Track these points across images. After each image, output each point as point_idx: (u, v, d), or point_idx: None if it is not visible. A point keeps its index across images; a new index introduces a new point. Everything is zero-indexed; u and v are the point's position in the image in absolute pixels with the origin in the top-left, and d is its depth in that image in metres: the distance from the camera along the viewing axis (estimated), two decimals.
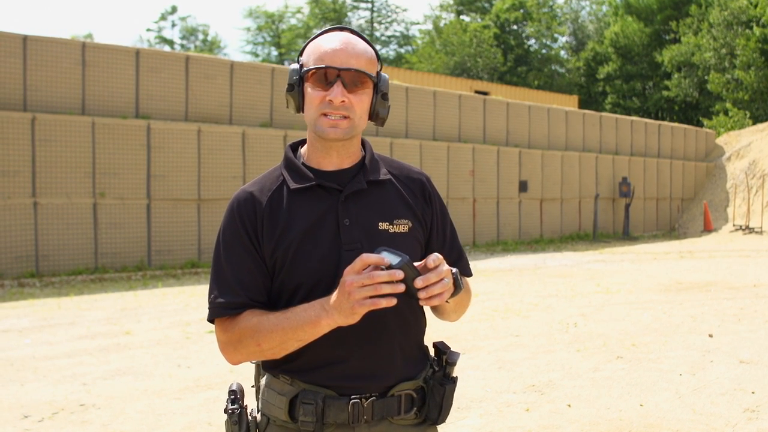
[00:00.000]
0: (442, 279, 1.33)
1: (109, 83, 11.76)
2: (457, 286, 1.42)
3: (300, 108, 1.53)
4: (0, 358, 5.78)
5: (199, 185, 12.44)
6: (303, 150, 1.60)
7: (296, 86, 1.51)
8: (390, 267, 1.30)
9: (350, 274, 1.31)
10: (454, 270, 1.43)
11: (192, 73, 12.75)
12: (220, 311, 1.49)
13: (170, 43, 51.45)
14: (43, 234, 10.82)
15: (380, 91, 1.53)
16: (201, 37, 53.21)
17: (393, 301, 1.30)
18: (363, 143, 1.62)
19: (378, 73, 1.53)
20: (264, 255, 1.50)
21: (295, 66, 1.52)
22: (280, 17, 50.60)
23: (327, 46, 1.48)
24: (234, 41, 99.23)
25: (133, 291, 9.76)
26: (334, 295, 1.36)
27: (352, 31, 1.54)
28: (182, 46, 52.01)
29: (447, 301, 1.45)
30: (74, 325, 7.24)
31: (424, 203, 1.61)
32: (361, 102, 1.49)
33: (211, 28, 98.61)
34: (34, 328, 7.06)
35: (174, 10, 53.37)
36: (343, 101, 1.45)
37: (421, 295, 1.31)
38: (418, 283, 1.30)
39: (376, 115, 1.55)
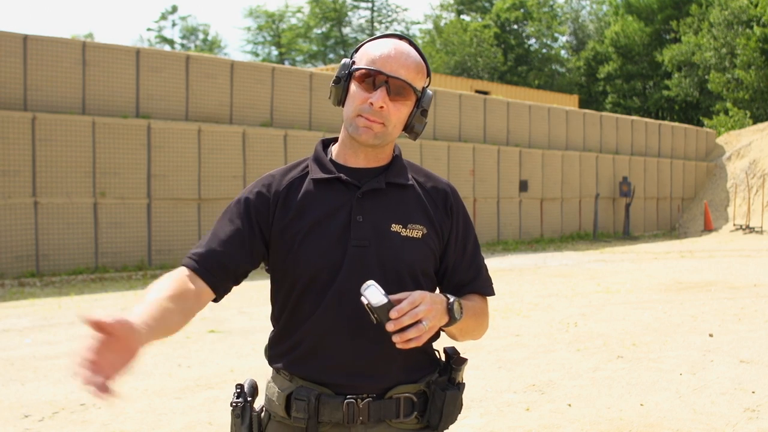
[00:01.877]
0: (417, 322, 1.33)
1: (109, 83, 11.76)
2: (452, 317, 1.42)
3: (341, 102, 1.54)
4: (0, 358, 5.78)
5: (200, 185, 12.45)
6: (333, 147, 1.62)
7: (343, 80, 1.52)
8: (369, 306, 1.31)
9: None
10: (451, 300, 1.43)
11: (192, 73, 12.75)
12: (185, 261, 1.51)
13: (170, 42, 51.47)
14: (44, 234, 10.83)
15: (421, 107, 1.55)
16: (201, 36, 53.24)
17: None
18: (394, 149, 1.63)
19: (424, 89, 1.55)
20: (269, 236, 1.52)
21: (347, 61, 1.54)
22: (280, 17, 50.59)
23: (380, 51, 1.50)
24: (234, 41, 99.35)
25: (133, 290, 9.75)
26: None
27: (410, 42, 1.55)
28: (182, 45, 52.03)
29: (442, 330, 1.46)
30: (74, 324, 7.24)
31: (444, 214, 1.59)
32: (399, 112, 1.51)
33: (212, 27, 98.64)
34: (34, 328, 7.06)
35: (174, 9, 53.45)
36: (382, 107, 1.47)
37: (396, 339, 1.32)
38: (390, 327, 1.31)
39: (411, 129, 1.57)
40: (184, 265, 1.50)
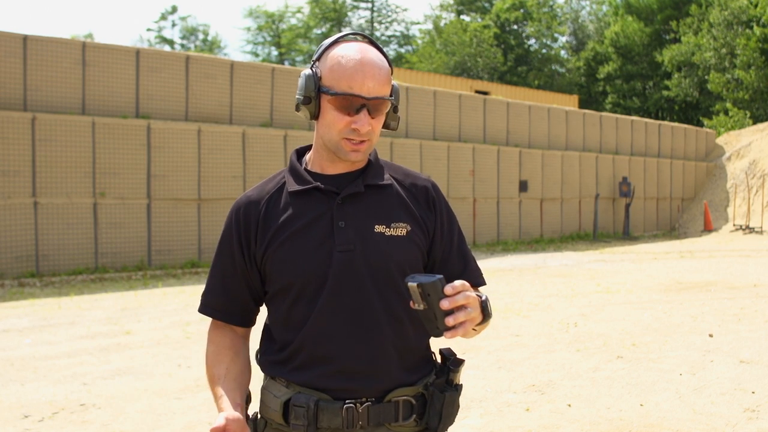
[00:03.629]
0: (466, 307, 1.31)
1: (109, 83, 11.76)
2: (486, 315, 1.41)
3: (314, 117, 1.51)
4: (0, 358, 5.78)
5: (199, 185, 12.45)
6: (308, 156, 1.61)
7: (313, 99, 1.48)
8: (420, 285, 1.26)
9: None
10: (483, 297, 1.42)
11: (192, 73, 12.75)
12: (203, 309, 1.62)
13: (170, 42, 51.45)
14: (44, 234, 10.82)
15: (393, 105, 1.54)
16: (201, 36, 53.21)
17: None
18: None
19: (392, 87, 1.54)
20: (256, 257, 1.54)
21: (310, 74, 1.48)
22: (280, 17, 50.59)
23: (351, 67, 1.44)
24: (234, 41, 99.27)
25: (133, 291, 9.76)
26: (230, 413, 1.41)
27: (369, 41, 1.51)
28: (182, 45, 52.02)
29: (474, 329, 1.43)
30: (74, 324, 7.24)
31: (426, 209, 1.59)
32: (379, 123, 1.51)
33: (212, 27, 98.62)
34: (34, 328, 7.06)
35: (174, 9, 53.38)
36: (369, 129, 1.47)
37: (449, 321, 1.28)
38: (445, 304, 1.27)
39: (387, 126, 1.57)
40: (207, 315, 1.62)
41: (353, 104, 1.45)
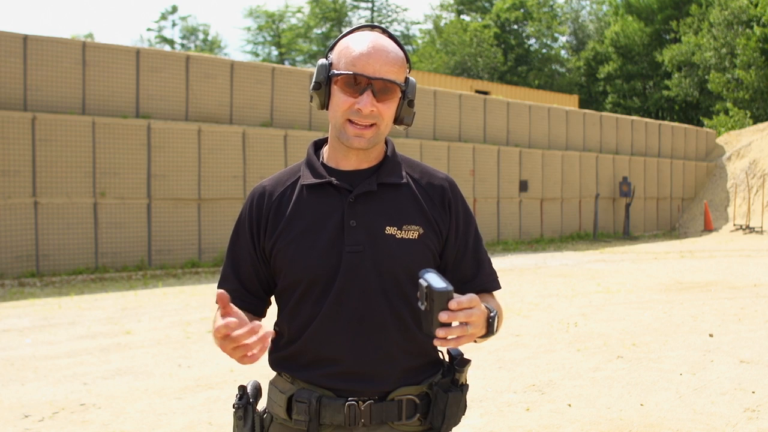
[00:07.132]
0: (467, 323, 1.26)
1: (109, 83, 11.76)
2: (489, 331, 1.38)
3: (324, 106, 1.51)
4: (0, 358, 5.78)
5: (200, 185, 12.45)
6: (324, 149, 1.60)
7: (323, 85, 1.48)
8: (429, 288, 1.23)
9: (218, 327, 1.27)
10: (492, 313, 1.40)
11: (192, 73, 12.75)
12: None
13: (171, 42, 51.47)
14: (44, 234, 10.82)
15: (407, 98, 1.51)
16: (201, 36, 53.25)
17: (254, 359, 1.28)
18: (386, 143, 1.59)
19: (407, 79, 1.51)
20: (265, 249, 1.53)
21: (324, 62, 1.49)
22: (280, 17, 50.59)
23: (358, 50, 1.44)
24: (234, 41, 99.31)
25: (133, 291, 9.76)
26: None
27: (384, 31, 1.51)
28: (183, 45, 52.03)
29: (475, 341, 1.42)
30: (75, 324, 7.24)
31: (441, 209, 1.56)
32: (389, 110, 1.48)
33: (212, 27, 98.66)
34: (34, 328, 7.06)
35: (174, 9, 53.45)
36: (372, 110, 1.44)
37: (440, 333, 1.23)
38: (443, 317, 1.22)
39: (401, 121, 1.54)
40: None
41: (357, 84, 1.44)
